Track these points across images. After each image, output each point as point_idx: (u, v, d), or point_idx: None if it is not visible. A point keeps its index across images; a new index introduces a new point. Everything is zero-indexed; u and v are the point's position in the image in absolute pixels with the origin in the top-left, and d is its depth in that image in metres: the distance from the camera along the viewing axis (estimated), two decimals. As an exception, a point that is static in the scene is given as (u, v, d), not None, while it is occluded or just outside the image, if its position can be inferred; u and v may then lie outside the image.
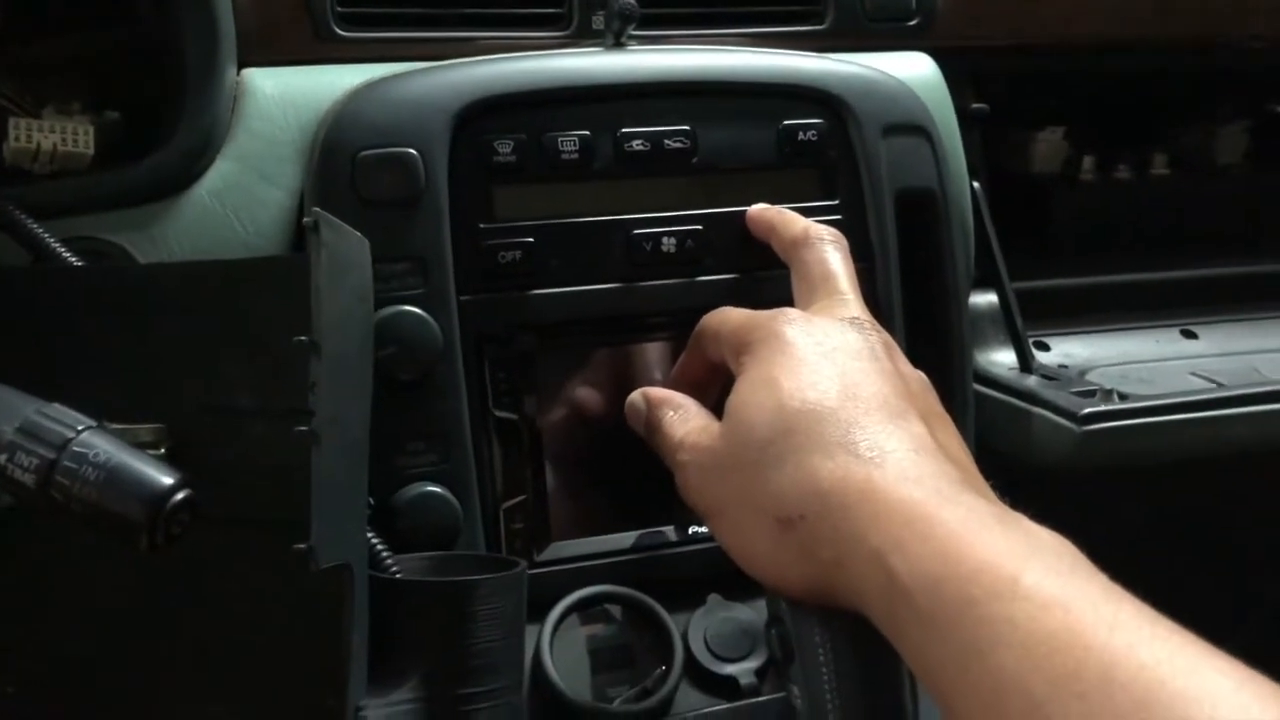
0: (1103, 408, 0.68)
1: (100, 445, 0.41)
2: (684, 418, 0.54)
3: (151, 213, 0.61)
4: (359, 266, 0.51)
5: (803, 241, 0.58)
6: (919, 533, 0.41)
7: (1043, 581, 0.38)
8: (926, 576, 0.40)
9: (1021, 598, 0.38)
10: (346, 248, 0.49)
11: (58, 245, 0.56)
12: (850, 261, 0.58)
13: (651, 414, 0.56)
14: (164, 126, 0.63)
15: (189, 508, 0.42)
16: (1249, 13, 0.87)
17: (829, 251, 0.58)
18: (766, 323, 0.53)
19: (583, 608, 0.61)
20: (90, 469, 0.40)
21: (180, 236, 0.61)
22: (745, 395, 0.51)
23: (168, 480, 0.41)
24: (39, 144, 0.58)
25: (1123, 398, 0.70)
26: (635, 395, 0.59)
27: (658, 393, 0.58)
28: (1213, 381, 0.76)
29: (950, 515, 0.42)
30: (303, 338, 0.46)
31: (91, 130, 0.60)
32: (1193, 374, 0.79)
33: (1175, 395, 0.71)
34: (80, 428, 0.41)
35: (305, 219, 0.46)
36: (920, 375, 0.54)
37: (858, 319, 0.53)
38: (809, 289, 0.57)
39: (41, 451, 0.41)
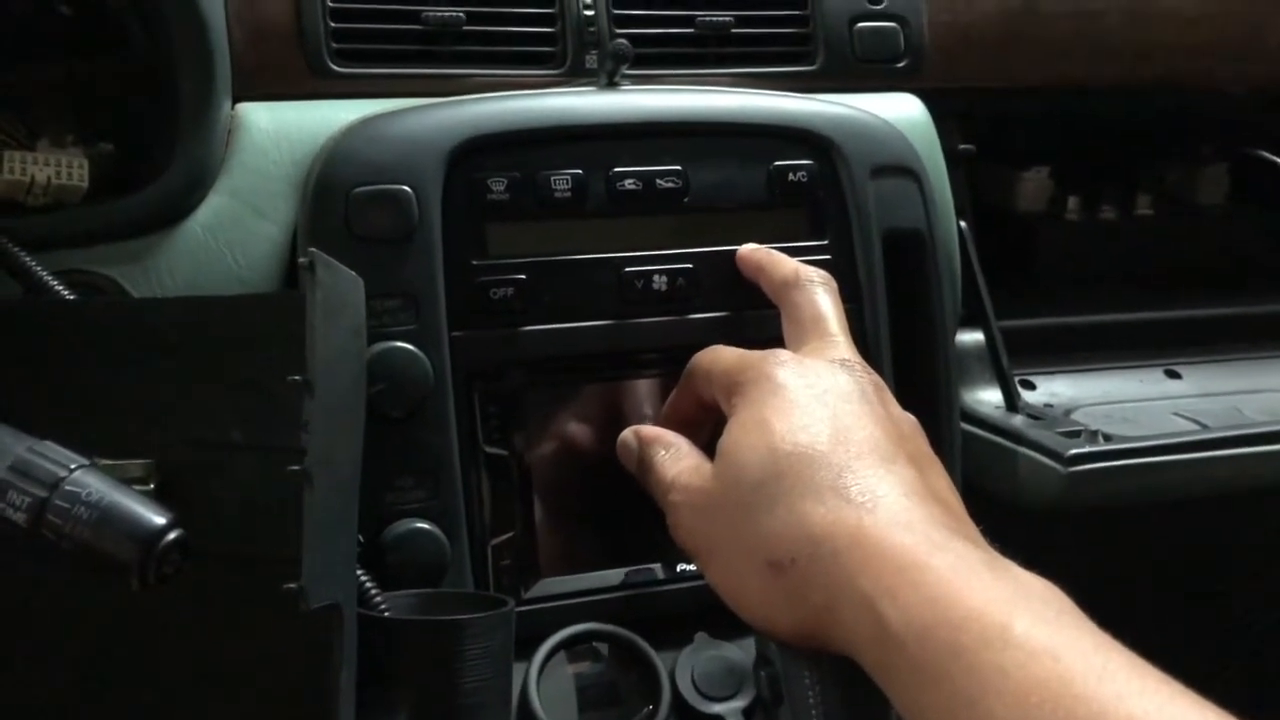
0: (1089, 449, 0.68)
1: (93, 484, 0.41)
2: (675, 457, 0.55)
3: (144, 246, 0.61)
4: (353, 305, 0.51)
5: (793, 283, 0.59)
6: (909, 580, 0.41)
7: (1032, 630, 0.39)
8: (916, 624, 0.40)
9: (1012, 646, 0.38)
10: (341, 287, 0.49)
11: (50, 278, 0.56)
12: (840, 303, 0.59)
13: (643, 452, 0.56)
14: (158, 159, 0.63)
15: (180, 547, 0.42)
16: (1225, 60, 0.89)
17: (819, 294, 0.58)
18: (758, 364, 0.53)
19: (570, 645, 0.61)
20: (83, 508, 0.40)
21: (173, 270, 0.61)
22: (737, 437, 0.51)
23: (160, 520, 0.41)
24: (33, 176, 0.59)
25: (1108, 438, 0.71)
26: (627, 433, 0.59)
27: (649, 431, 0.58)
28: (1196, 422, 0.77)
29: (940, 562, 0.42)
30: (297, 377, 0.46)
31: (86, 163, 0.60)
32: (1176, 414, 0.79)
33: (1160, 437, 0.71)
34: (73, 466, 0.41)
35: (301, 259, 0.46)
36: (911, 418, 0.54)
37: (848, 361, 0.54)
38: (799, 331, 0.57)
39: (33, 490, 0.41)
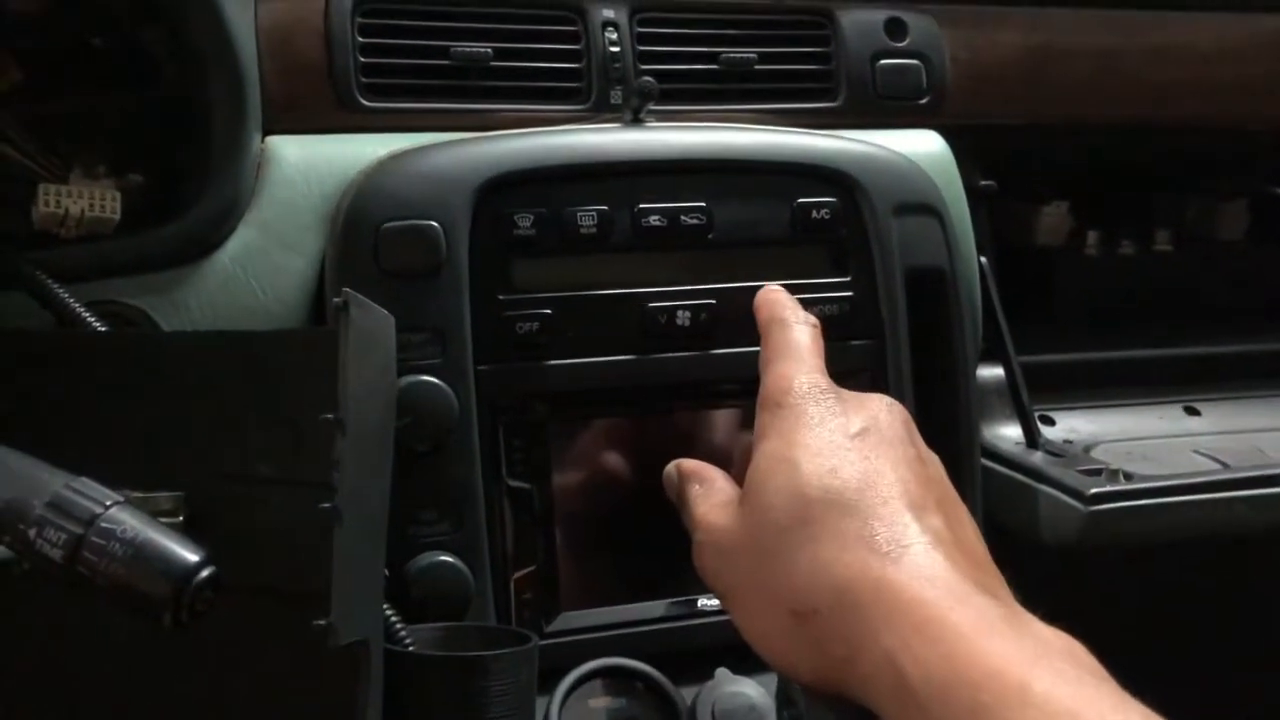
0: (1110, 488, 0.68)
1: (127, 521, 0.41)
2: (706, 494, 0.54)
3: (174, 278, 0.62)
4: (384, 343, 0.52)
5: (779, 319, 0.57)
6: (930, 636, 0.41)
7: (1052, 690, 0.38)
8: (936, 682, 0.40)
9: (1031, 705, 0.38)
10: (373, 326, 0.50)
11: (82, 310, 0.57)
12: (820, 343, 0.56)
13: (680, 487, 0.56)
14: (188, 191, 0.64)
15: (213, 585, 0.42)
16: (1244, 97, 0.89)
17: (797, 329, 0.56)
18: (797, 391, 0.52)
19: (591, 680, 0.61)
20: (118, 545, 0.41)
21: (202, 302, 0.62)
22: (764, 473, 0.50)
23: (193, 558, 0.42)
24: (67, 209, 0.59)
25: (1129, 477, 0.71)
26: (670, 466, 0.58)
27: (689, 465, 0.57)
28: (1217, 461, 0.77)
29: (960, 618, 0.42)
30: (329, 415, 0.46)
31: (119, 196, 0.61)
32: (1196, 452, 0.79)
33: (1182, 476, 0.71)
34: (108, 503, 0.42)
35: (335, 299, 0.47)
36: (935, 457, 0.54)
37: (827, 389, 0.52)
38: (768, 355, 0.55)
39: (70, 527, 0.41)
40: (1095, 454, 0.78)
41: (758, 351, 0.65)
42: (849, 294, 0.67)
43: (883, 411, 0.52)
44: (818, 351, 0.55)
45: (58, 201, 0.59)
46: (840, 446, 0.49)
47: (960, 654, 0.40)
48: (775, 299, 0.59)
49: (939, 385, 0.70)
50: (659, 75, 0.71)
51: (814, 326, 0.57)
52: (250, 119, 0.64)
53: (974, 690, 0.39)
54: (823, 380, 0.53)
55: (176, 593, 0.41)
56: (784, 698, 0.52)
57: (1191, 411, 0.86)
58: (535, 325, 0.62)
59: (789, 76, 0.77)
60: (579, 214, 0.64)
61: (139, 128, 0.69)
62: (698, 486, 0.55)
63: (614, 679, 0.61)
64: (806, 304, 0.65)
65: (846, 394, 0.53)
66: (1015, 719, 0.38)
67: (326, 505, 0.46)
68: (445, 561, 0.59)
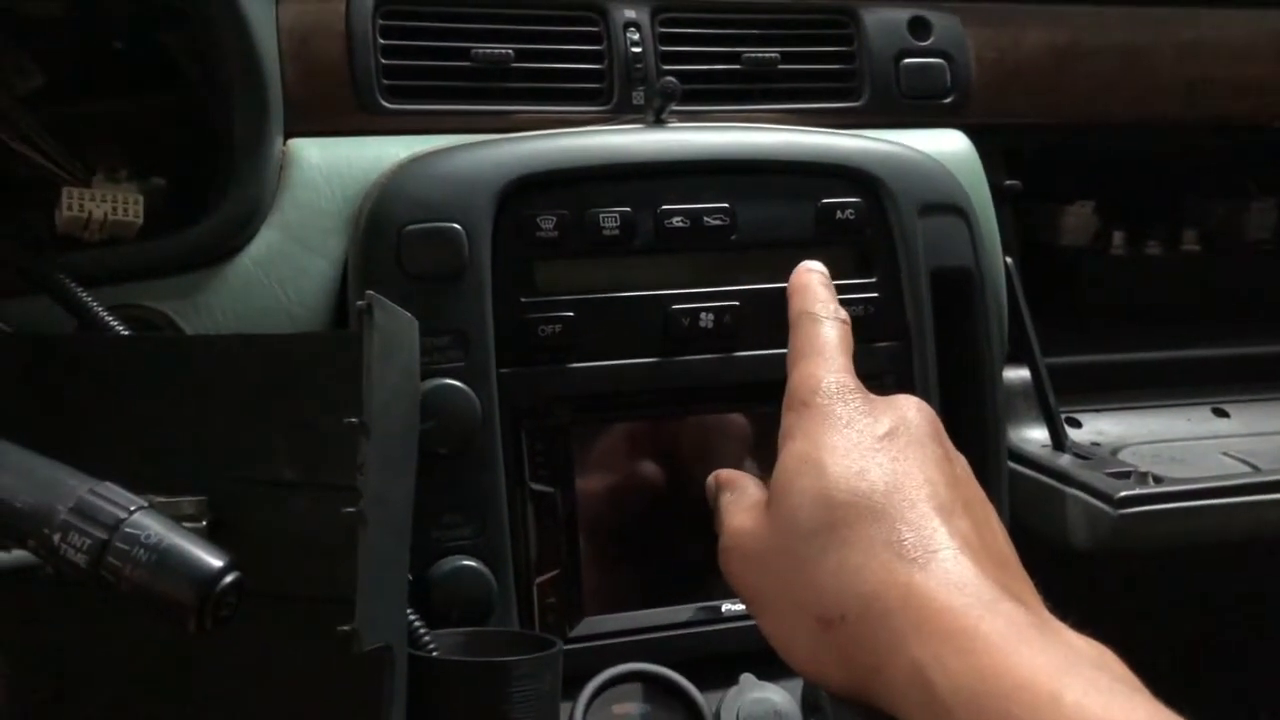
0: (1139, 491, 0.67)
1: (152, 526, 0.41)
2: (737, 499, 0.53)
3: (196, 281, 0.62)
4: (408, 346, 0.51)
5: (809, 312, 0.56)
6: (959, 646, 0.41)
7: (1083, 700, 0.38)
8: (965, 692, 0.39)
9: (1063, 717, 0.37)
10: (397, 329, 0.49)
11: (105, 313, 0.56)
12: (849, 341, 0.55)
13: (717, 496, 0.55)
14: (210, 194, 0.64)
15: (237, 590, 0.42)
16: (1275, 95, 0.88)
17: (826, 325, 0.55)
18: (824, 392, 0.51)
19: (614, 685, 0.60)
20: (142, 550, 0.41)
21: (224, 305, 0.62)
22: (790, 475, 0.49)
23: (218, 563, 0.42)
24: (90, 213, 0.59)
25: (1158, 480, 0.70)
26: (711, 477, 0.58)
27: (725, 474, 0.57)
28: (1246, 463, 0.76)
29: (990, 627, 0.41)
30: (353, 419, 0.46)
31: (141, 200, 0.61)
32: (1225, 454, 0.78)
33: (1212, 479, 0.70)
34: (132, 508, 0.42)
35: (359, 302, 0.47)
36: (962, 457, 0.53)
37: (848, 384, 0.51)
38: (795, 353, 0.55)
39: (94, 532, 0.41)
40: (1123, 456, 0.77)
41: (783, 354, 0.64)
42: (874, 295, 0.67)
43: (911, 411, 0.51)
44: (846, 350, 0.54)
45: (81, 205, 0.59)
46: (868, 448, 0.48)
47: (990, 665, 0.40)
48: (809, 286, 0.57)
49: (965, 387, 0.69)
50: (681, 75, 0.70)
51: (844, 323, 0.56)
52: (272, 121, 0.64)
53: (1005, 702, 0.38)
54: (850, 381, 0.52)
55: (201, 598, 0.41)
56: (810, 704, 0.51)
57: (1220, 413, 0.85)
58: (558, 328, 0.62)
59: (812, 76, 0.76)
60: (602, 216, 0.63)
61: (161, 131, 0.69)
62: (729, 494, 0.54)
63: (638, 684, 0.61)
64: (831, 305, 0.65)
65: (874, 396, 0.52)
66: None
67: (351, 509, 0.45)
68: (468, 566, 0.59)
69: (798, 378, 0.53)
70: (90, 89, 0.69)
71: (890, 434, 0.49)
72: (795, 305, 0.57)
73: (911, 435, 0.50)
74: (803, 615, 0.46)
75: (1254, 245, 0.95)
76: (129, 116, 0.69)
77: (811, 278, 0.58)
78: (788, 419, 0.52)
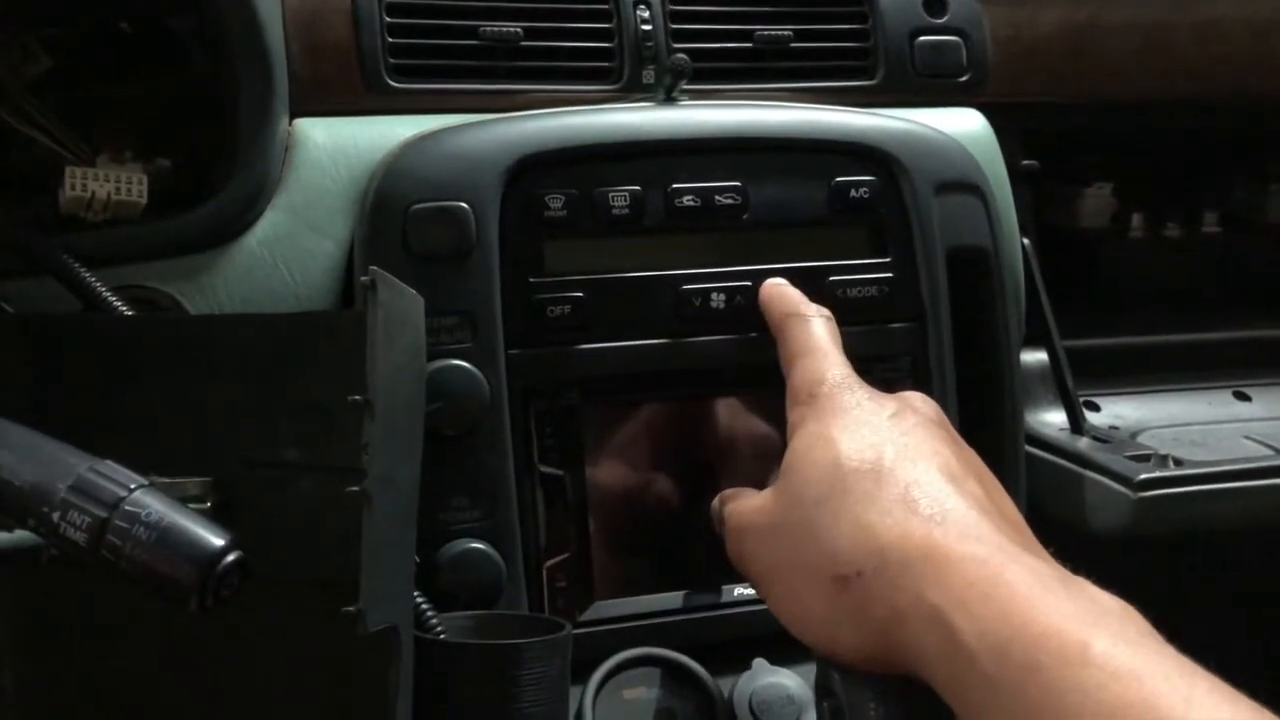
0: (1159, 474, 0.66)
1: (152, 505, 0.41)
2: (735, 496, 0.55)
3: (202, 262, 0.61)
4: (413, 324, 0.51)
5: (792, 314, 0.58)
6: (982, 593, 0.40)
7: (1112, 650, 0.37)
8: (990, 638, 0.39)
9: (1092, 665, 0.37)
10: (402, 306, 0.49)
11: (108, 294, 0.56)
12: (837, 335, 0.57)
13: (722, 510, 0.56)
14: (215, 175, 0.63)
15: (239, 570, 0.41)
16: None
17: (814, 324, 0.57)
18: (831, 383, 0.53)
19: (625, 669, 0.60)
20: (142, 529, 0.40)
21: (230, 286, 0.61)
22: (801, 451, 0.50)
23: (219, 542, 0.41)
24: (94, 193, 0.59)
25: (1178, 463, 0.69)
26: (715, 500, 0.58)
27: (728, 492, 0.58)
28: (1268, 446, 0.74)
29: (1014, 576, 0.41)
30: (357, 397, 0.45)
31: (145, 179, 0.60)
32: (1247, 438, 0.77)
33: (1233, 462, 0.69)
34: (133, 486, 0.41)
35: (362, 278, 0.46)
36: (971, 450, 0.53)
37: (849, 378, 0.54)
38: (790, 355, 0.56)
39: (94, 510, 0.40)
40: (1142, 440, 0.75)
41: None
42: (889, 275, 0.66)
43: (916, 398, 0.53)
44: (839, 345, 0.56)
45: (84, 185, 0.59)
46: (878, 426, 0.50)
47: (1015, 611, 0.39)
48: (783, 294, 0.60)
49: (982, 369, 0.68)
50: (692, 54, 0.69)
51: (829, 319, 0.58)
52: (278, 101, 0.63)
53: (1031, 648, 0.38)
54: (852, 373, 0.54)
55: (202, 578, 0.40)
56: (823, 688, 0.50)
57: (1241, 396, 0.83)
58: (567, 308, 0.61)
59: (825, 54, 0.75)
60: (611, 195, 0.62)
61: (166, 112, 0.68)
62: (733, 502, 0.55)
63: (649, 669, 0.60)
64: (844, 285, 0.65)
65: (890, 394, 0.54)
66: (1075, 677, 0.37)
67: (355, 489, 0.45)
68: (477, 549, 0.58)
69: (799, 375, 0.55)
70: (97, 72, 0.68)
71: (898, 414, 0.51)
72: (775, 311, 0.59)
73: (919, 415, 0.51)
74: (817, 578, 0.46)
75: (1274, 227, 0.94)
76: (135, 99, 0.68)
77: (781, 287, 0.61)
78: (795, 413, 0.53)
